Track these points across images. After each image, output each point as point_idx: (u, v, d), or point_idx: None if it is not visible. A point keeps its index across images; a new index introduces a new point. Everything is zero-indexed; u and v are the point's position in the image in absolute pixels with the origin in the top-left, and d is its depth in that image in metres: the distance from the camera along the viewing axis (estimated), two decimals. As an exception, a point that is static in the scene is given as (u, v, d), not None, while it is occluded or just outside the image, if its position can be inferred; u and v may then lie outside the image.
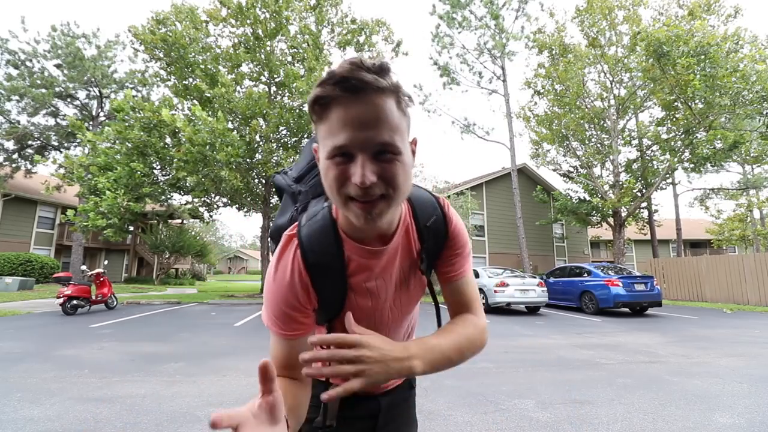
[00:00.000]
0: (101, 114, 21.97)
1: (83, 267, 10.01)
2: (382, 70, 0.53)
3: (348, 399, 0.81)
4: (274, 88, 14.71)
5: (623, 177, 18.21)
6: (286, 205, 0.89)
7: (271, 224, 0.92)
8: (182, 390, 3.39)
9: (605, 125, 17.81)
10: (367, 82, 0.51)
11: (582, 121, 17.75)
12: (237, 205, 15.54)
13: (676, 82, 14.00)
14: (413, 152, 0.61)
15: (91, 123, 21.30)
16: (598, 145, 18.24)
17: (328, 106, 0.53)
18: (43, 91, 19.44)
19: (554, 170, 19.89)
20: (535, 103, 19.77)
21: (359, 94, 0.51)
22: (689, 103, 14.70)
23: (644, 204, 20.13)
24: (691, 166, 15.56)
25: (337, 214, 0.68)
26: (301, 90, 12.56)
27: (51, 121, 21.35)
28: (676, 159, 15.38)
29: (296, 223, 0.72)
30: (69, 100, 21.28)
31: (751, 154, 20.87)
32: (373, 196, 0.54)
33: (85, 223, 12.09)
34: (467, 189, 19.67)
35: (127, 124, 12.17)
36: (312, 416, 0.75)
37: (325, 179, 0.57)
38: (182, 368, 4.15)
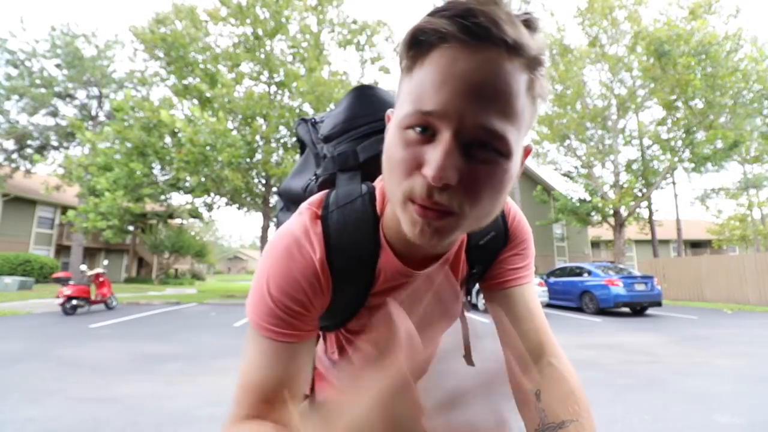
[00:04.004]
0: (101, 114, 21.98)
1: (82, 267, 9.99)
2: (530, 24, 0.36)
3: None
4: (274, 88, 14.72)
5: (624, 177, 18.22)
6: (306, 165, 0.69)
7: (283, 183, 0.73)
8: (182, 390, 3.39)
9: (606, 124, 17.83)
10: (502, 28, 0.33)
11: (583, 120, 17.77)
12: (237, 205, 15.57)
13: (676, 82, 14.01)
14: (521, 165, 0.42)
15: (91, 123, 21.30)
16: (599, 145, 18.25)
17: (430, 49, 0.35)
18: (43, 90, 19.45)
19: (555, 170, 19.91)
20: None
21: (484, 43, 0.33)
22: (689, 103, 14.70)
23: (645, 203, 20.16)
24: (692, 165, 15.58)
25: (381, 207, 0.50)
26: (301, 90, 12.58)
27: (51, 121, 21.37)
28: (676, 159, 15.39)
29: (322, 195, 0.52)
30: (68, 99, 21.29)
31: (751, 154, 20.90)
32: (439, 205, 0.36)
33: (85, 224, 12.09)
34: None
35: (126, 124, 12.17)
36: None
37: (388, 159, 0.39)
38: (182, 368, 4.15)
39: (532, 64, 0.36)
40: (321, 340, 0.62)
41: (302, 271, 0.46)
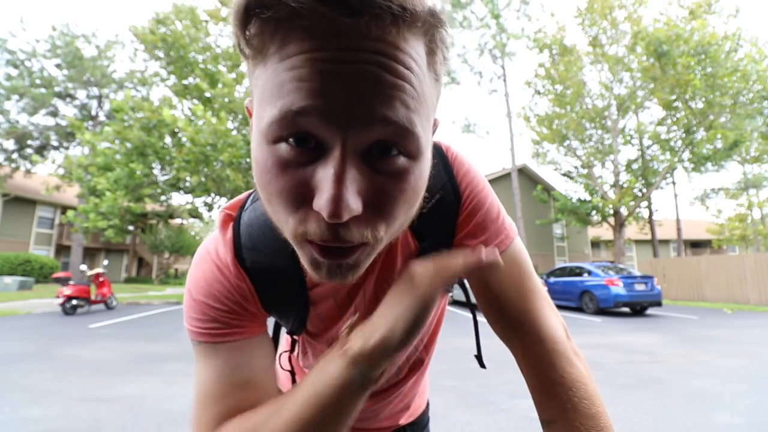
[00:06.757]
0: (101, 114, 21.98)
1: (82, 267, 9.99)
2: None
3: None
4: (274, 88, 14.73)
5: (624, 177, 18.24)
6: None
7: None
8: (182, 390, 3.39)
9: (606, 124, 17.84)
10: None
11: (582, 120, 17.78)
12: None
13: (676, 82, 14.01)
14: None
15: (91, 123, 21.31)
16: (599, 145, 18.26)
17: (282, 28, 0.25)
18: (43, 90, 19.46)
19: (555, 170, 19.93)
20: (536, 103, 19.81)
21: (359, 17, 0.24)
22: (689, 103, 14.71)
23: (645, 203, 20.19)
24: (692, 165, 15.59)
25: None
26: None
27: (51, 121, 21.38)
28: (676, 158, 15.40)
29: (245, 194, 0.49)
30: (69, 99, 21.30)
31: (752, 154, 20.90)
32: (348, 242, 0.29)
33: (86, 224, 12.09)
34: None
35: (126, 124, 12.18)
36: None
37: (263, 186, 0.30)
38: (182, 368, 4.14)
39: (428, 26, 0.27)
40: (296, 347, 0.59)
41: (219, 276, 0.43)
